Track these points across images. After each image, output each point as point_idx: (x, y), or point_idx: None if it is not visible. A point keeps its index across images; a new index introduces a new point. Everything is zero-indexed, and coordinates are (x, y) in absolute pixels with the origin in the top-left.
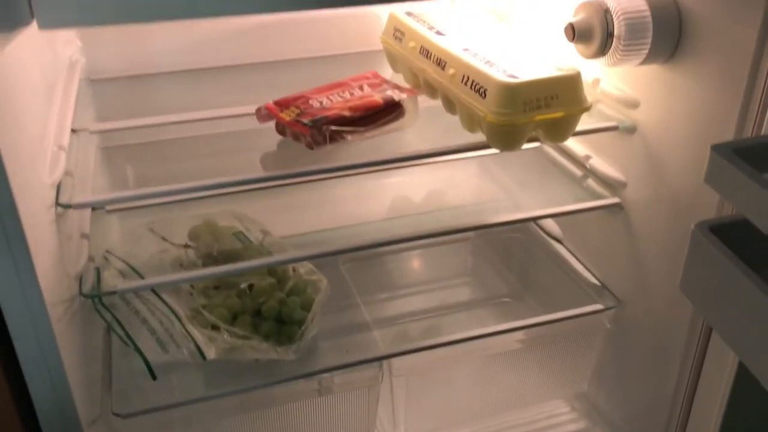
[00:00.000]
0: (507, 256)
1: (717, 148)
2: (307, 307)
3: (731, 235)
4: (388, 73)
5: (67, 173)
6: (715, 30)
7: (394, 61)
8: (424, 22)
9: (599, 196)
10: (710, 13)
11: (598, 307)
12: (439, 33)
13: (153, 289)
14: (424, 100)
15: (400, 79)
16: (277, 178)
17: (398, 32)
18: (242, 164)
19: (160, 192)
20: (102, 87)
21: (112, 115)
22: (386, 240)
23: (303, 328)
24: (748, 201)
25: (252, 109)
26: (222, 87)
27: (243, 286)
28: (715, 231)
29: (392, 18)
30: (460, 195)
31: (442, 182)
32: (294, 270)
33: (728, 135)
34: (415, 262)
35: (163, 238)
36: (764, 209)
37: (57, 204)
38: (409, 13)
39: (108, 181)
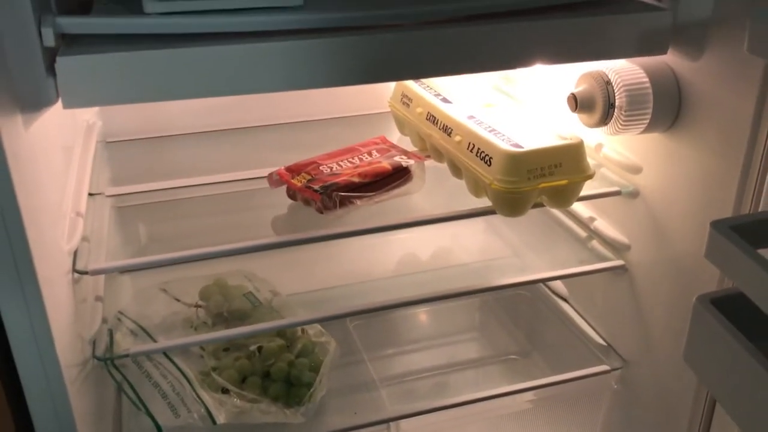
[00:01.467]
0: (514, 313)
1: (716, 225)
2: (315, 368)
3: (733, 306)
4: (395, 135)
5: (84, 239)
6: (713, 101)
7: (402, 125)
8: (431, 89)
9: (604, 258)
10: (708, 86)
11: (605, 368)
12: (445, 100)
13: (164, 352)
14: (431, 163)
15: (407, 142)
16: (289, 244)
17: (406, 98)
18: (254, 222)
19: (172, 259)
20: (118, 149)
21: (127, 176)
22: (394, 303)
23: (311, 390)
24: (746, 279)
25: (263, 171)
26: (235, 148)
27: (252, 348)
28: (717, 303)
29: (400, 84)
30: (467, 252)
31: (449, 239)
32: (303, 331)
33: (729, 202)
34: (422, 318)
35: (175, 298)
36: (762, 288)
37: (74, 270)
38: (416, 80)
39: (121, 239)
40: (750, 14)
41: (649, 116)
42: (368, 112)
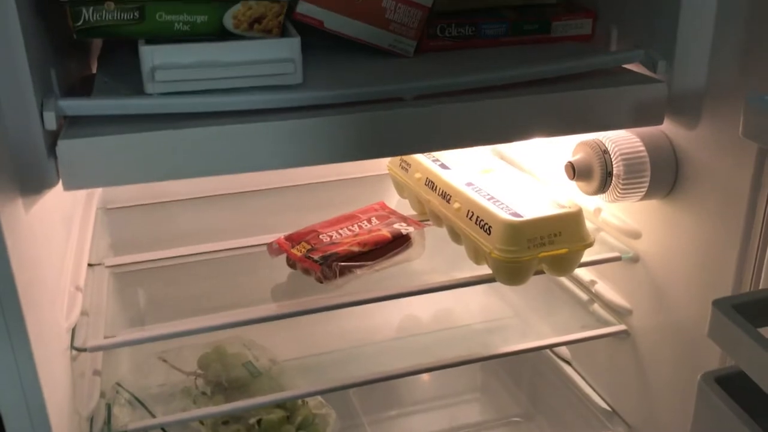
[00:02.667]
0: (517, 374)
1: (718, 304)
2: None
3: (738, 383)
4: (395, 197)
5: (83, 312)
6: (710, 170)
7: (401, 189)
8: (429, 154)
9: (606, 322)
10: (705, 155)
11: None
12: (443, 166)
13: (162, 428)
14: (431, 227)
15: (406, 205)
16: (289, 315)
17: (404, 163)
18: (254, 286)
19: (170, 334)
20: (118, 215)
21: (128, 243)
22: (395, 374)
23: None
24: (748, 360)
25: (263, 237)
26: (235, 212)
27: (252, 421)
28: (722, 382)
29: None
30: (469, 312)
31: (451, 299)
32: (303, 402)
33: (729, 271)
34: (423, 379)
35: (174, 367)
36: (763, 369)
37: (72, 347)
38: None
39: (120, 304)
40: (745, 99)
41: (646, 184)
42: (368, 174)
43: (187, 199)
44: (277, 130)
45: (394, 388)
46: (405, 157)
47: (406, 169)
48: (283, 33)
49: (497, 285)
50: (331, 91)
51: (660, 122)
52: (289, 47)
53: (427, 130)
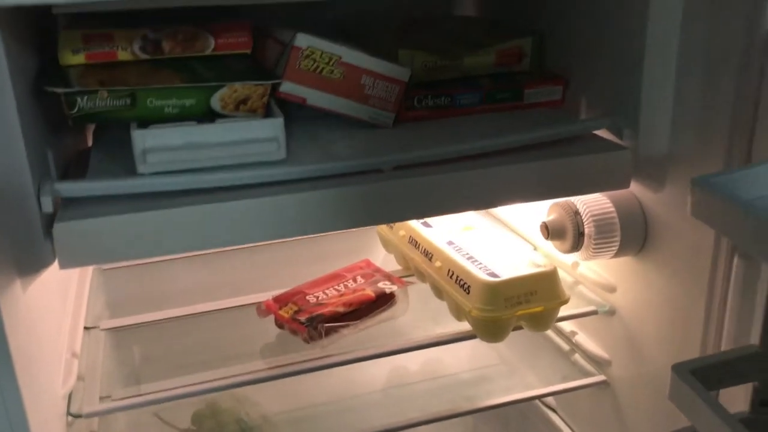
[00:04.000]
0: (505, 420)
1: (676, 369)
2: None
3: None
4: (381, 252)
5: (79, 378)
6: (676, 230)
7: (387, 245)
8: None
9: (586, 372)
10: (671, 216)
11: None
12: (426, 224)
13: None
14: (415, 284)
15: (393, 260)
16: (278, 377)
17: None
18: (246, 344)
19: (166, 398)
20: (113, 276)
21: (123, 302)
22: (386, 428)
23: None
24: (704, 424)
25: (254, 296)
26: (227, 269)
27: None
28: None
29: None
30: (457, 360)
31: (439, 348)
32: None
33: (697, 327)
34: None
35: (168, 424)
36: (707, 426)
37: (68, 414)
38: None
39: (116, 361)
40: (690, 181)
41: (617, 243)
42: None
43: (180, 258)
44: (261, 205)
45: None
46: None
47: (391, 227)
48: (268, 112)
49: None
50: (313, 165)
51: (626, 186)
52: (273, 127)
53: (405, 200)
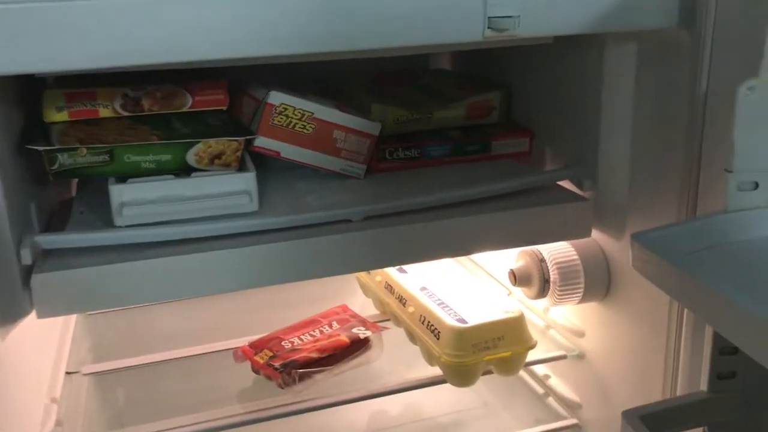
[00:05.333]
0: None
1: (626, 415)
2: None
3: None
4: (360, 297)
5: (58, 423)
6: (637, 277)
7: (365, 290)
8: None
9: (559, 416)
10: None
11: None
12: (401, 270)
13: None
14: (392, 329)
15: (371, 304)
16: (253, 422)
17: None
18: (224, 387)
19: None
20: (97, 320)
21: (107, 347)
22: None
23: None
24: None
25: (233, 342)
26: (208, 312)
27: None
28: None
29: None
30: (438, 403)
31: (419, 391)
32: None
33: (659, 372)
34: None
35: None
36: None
37: None
38: None
39: (99, 408)
40: (630, 237)
41: (581, 290)
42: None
43: (164, 303)
44: (234, 256)
45: None
46: None
47: (369, 272)
48: (242, 166)
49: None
50: (284, 217)
51: (587, 235)
52: (245, 181)
53: (373, 250)
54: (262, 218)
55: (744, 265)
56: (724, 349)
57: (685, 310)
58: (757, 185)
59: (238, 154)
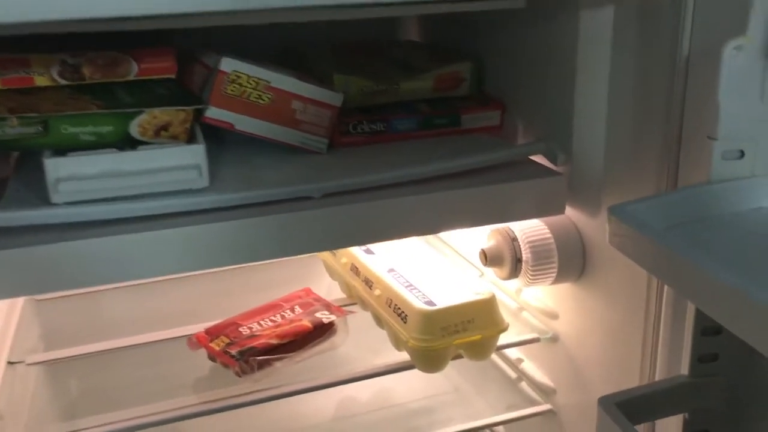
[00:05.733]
0: None
1: (602, 402)
2: None
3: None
4: (326, 279)
5: None
6: (613, 256)
7: (331, 272)
8: None
9: (532, 401)
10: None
11: None
12: (368, 251)
13: None
14: (357, 312)
15: (337, 287)
16: (210, 413)
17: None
18: (181, 374)
19: None
20: (47, 306)
21: (58, 334)
22: None
23: None
24: None
25: (191, 328)
26: (166, 297)
27: None
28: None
29: None
30: (409, 388)
31: (390, 376)
32: None
33: (636, 352)
34: None
35: None
36: None
37: None
38: None
39: (48, 399)
40: (607, 210)
41: (555, 269)
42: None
43: (116, 288)
44: (183, 235)
45: None
46: None
47: (334, 254)
48: (191, 138)
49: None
50: (237, 193)
51: (561, 212)
52: (194, 154)
53: (334, 229)
54: (214, 195)
55: (729, 239)
56: (706, 330)
57: (665, 290)
58: (742, 154)
59: (187, 125)
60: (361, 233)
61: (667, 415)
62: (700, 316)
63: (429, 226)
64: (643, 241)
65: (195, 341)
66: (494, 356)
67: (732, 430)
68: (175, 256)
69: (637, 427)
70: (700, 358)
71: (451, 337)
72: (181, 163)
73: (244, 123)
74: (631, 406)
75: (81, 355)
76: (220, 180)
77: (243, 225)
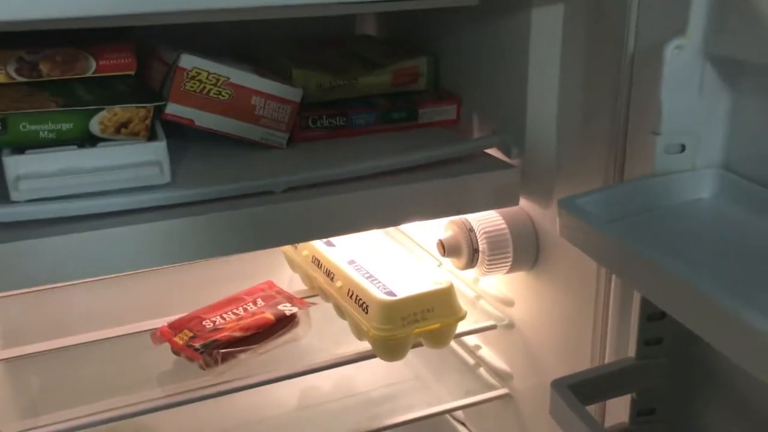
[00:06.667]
0: None
1: (555, 385)
2: None
3: None
4: (287, 272)
5: None
6: (565, 245)
7: (292, 265)
8: None
9: (490, 386)
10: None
11: None
12: (329, 244)
13: None
14: (319, 303)
15: (298, 280)
16: (174, 405)
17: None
18: (144, 370)
19: (66, 429)
20: (7, 303)
21: (19, 330)
22: None
23: None
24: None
25: (155, 322)
26: (128, 292)
27: None
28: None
29: None
30: (372, 376)
31: (352, 365)
32: None
33: (587, 337)
34: None
35: None
36: None
37: None
38: None
39: (10, 393)
40: (557, 203)
41: (510, 259)
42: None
43: (77, 284)
44: (143, 231)
45: None
46: None
47: (296, 246)
48: (152, 135)
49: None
50: (198, 189)
51: (515, 203)
52: (155, 151)
53: (295, 223)
54: (175, 191)
55: (671, 229)
56: (651, 315)
57: (613, 278)
58: (683, 147)
59: (147, 122)
60: (322, 227)
61: (616, 396)
62: (645, 302)
63: (388, 219)
64: (590, 233)
65: (159, 335)
66: (453, 343)
67: (676, 408)
68: (136, 252)
69: (588, 408)
70: (646, 342)
71: (411, 326)
72: (141, 159)
73: (204, 119)
74: (583, 388)
75: (43, 351)
76: (181, 176)
77: (204, 220)
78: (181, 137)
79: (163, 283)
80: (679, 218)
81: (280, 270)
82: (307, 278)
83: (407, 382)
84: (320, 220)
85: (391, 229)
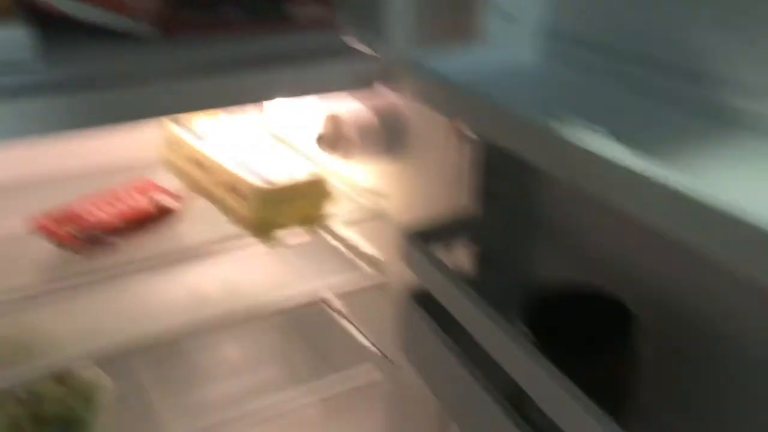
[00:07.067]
0: (297, 325)
1: (403, 233)
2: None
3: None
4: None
5: None
6: (430, 136)
7: (168, 164)
8: (193, 131)
9: (366, 275)
10: (421, 120)
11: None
12: (200, 137)
13: None
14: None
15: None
16: (54, 292)
17: (174, 145)
18: (20, 268)
19: None
20: None
21: None
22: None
23: None
24: (425, 277)
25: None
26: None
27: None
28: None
29: (165, 128)
30: (256, 275)
31: (236, 265)
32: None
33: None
34: (220, 348)
35: None
36: (436, 283)
37: None
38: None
39: None
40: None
41: (381, 150)
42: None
43: None
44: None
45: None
46: (171, 137)
47: (170, 145)
48: (13, 16)
49: (284, 253)
50: (65, 69)
51: (371, 87)
52: (18, 35)
53: (167, 100)
54: (41, 74)
55: (508, 85)
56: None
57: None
58: (513, 17)
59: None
60: (191, 101)
61: (455, 238)
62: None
63: (248, 97)
64: (442, 90)
65: (39, 226)
66: (329, 237)
67: (512, 257)
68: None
69: (435, 251)
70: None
71: (287, 209)
72: (6, 41)
73: (64, 5)
74: (428, 234)
75: None
76: (47, 60)
77: (72, 101)
78: (52, 29)
79: (32, 201)
80: (511, 76)
81: (155, 169)
82: (184, 175)
83: (287, 275)
84: (190, 99)
85: (269, 134)
